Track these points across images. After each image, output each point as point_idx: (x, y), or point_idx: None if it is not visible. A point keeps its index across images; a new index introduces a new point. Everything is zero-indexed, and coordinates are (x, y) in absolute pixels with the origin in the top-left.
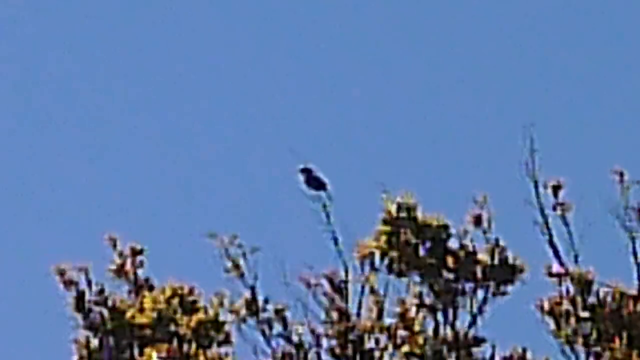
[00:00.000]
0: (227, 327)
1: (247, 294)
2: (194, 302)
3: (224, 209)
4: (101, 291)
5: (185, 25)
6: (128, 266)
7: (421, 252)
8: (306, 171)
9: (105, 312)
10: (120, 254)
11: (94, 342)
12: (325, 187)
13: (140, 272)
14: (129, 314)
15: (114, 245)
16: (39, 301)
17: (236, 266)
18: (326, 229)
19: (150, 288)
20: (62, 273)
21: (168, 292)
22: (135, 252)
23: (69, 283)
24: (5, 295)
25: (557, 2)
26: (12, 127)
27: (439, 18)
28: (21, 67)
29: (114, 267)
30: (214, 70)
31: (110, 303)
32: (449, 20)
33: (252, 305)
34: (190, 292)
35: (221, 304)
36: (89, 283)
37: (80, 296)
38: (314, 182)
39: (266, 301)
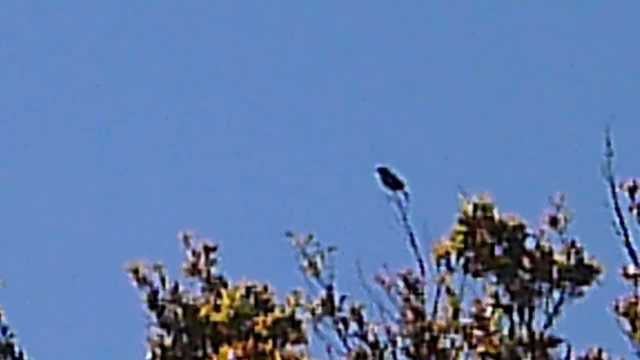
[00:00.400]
0: (303, 326)
1: (324, 293)
2: (268, 300)
3: (300, 208)
4: (175, 289)
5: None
6: (201, 264)
7: (497, 252)
8: (383, 171)
9: (179, 310)
10: (194, 252)
11: (168, 340)
12: (403, 186)
13: (213, 270)
14: (202, 312)
15: (187, 243)
16: (113, 299)
17: (313, 265)
18: (403, 229)
19: (224, 286)
20: (136, 271)
21: (242, 290)
22: (208, 250)
23: (142, 281)
24: (80, 293)
25: None
26: (88, 121)
27: (507, 11)
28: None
29: (187, 265)
30: (291, 66)
31: (184, 301)
32: (518, 12)
33: (328, 304)
34: (265, 290)
35: (297, 303)
36: (163, 281)
37: (153, 294)
38: (391, 182)
39: (342, 300)
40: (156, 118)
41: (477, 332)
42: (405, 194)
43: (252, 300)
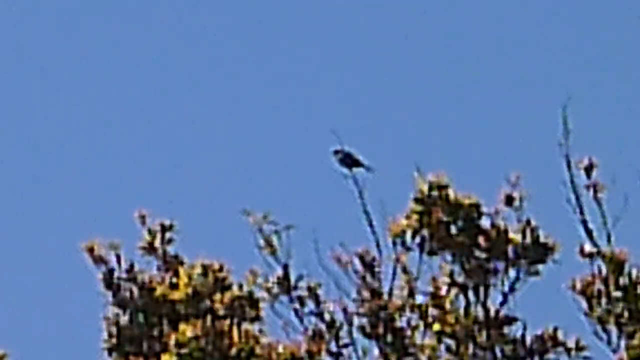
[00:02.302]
0: (260, 304)
1: (280, 272)
2: (225, 279)
3: (257, 186)
4: (131, 268)
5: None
6: (157, 243)
7: (453, 231)
8: (339, 152)
9: (135, 289)
10: (150, 231)
11: (124, 319)
12: (360, 164)
13: (170, 248)
14: (159, 291)
15: (143, 222)
16: (69, 278)
17: (269, 244)
18: (360, 208)
19: (181, 264)
20: (91, 250)
21: (199, 269)
22: (164, 229)
23: (98, 260)
24: (36, 272)
25: None
26: (47, 105)
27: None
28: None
29: (143, 243)
30: (250, 53)
31: (139, 280)
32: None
33: (284, 283)
34: (222, 268)
35: (254, 282)
36: (118, 260)
37: (109, 273)
38: (348, 160)
39: (299, 279)
40: (112, 98)
41: (433, 311)
42: (368, 169)
43: (209, 278)
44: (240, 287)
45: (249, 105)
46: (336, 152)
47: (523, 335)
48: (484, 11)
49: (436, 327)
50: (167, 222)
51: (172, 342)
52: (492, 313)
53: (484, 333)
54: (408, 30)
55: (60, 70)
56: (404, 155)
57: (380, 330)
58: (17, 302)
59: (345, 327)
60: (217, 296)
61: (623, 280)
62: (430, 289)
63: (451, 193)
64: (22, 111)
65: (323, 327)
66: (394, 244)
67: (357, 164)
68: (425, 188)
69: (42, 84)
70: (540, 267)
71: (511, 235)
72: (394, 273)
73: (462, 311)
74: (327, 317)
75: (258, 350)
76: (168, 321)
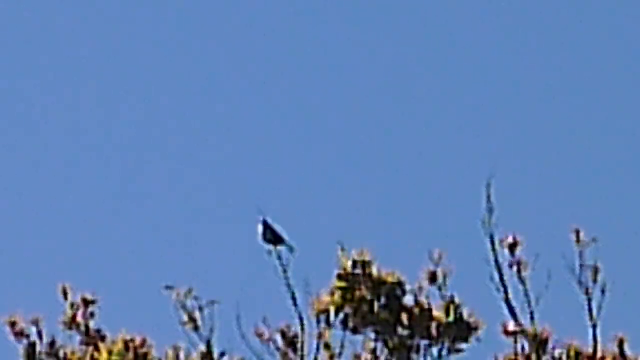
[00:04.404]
0: None
1: (203, 348)
2: (146, 355)
3: (180, 262)
4: (52, 343)
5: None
6: (80, 317)
7: (376, 308)
8: (265, 225)
9: None
10: (72, 305)
11: None
12: (283, 241)
13: (92, 323)
14: None
15: (66, 296)
16: None
17: (192, 319)
18: (283, 284)
19: (103, 339)
20: (13, 324)
21: (120, 345)
22: (87, 303)
23: (20, 334)
24: None
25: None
26: None
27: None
28: None
29: (65, 318)
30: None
31: (61, 355)
32: (399, 70)
33: (207, 359)
34: (143, 344)
35: (177, 357)
36: (40, 334)
37: (31, 348)
38: (272, 237)
39: (222, 355)
40: (23, 157)
41: None
42: (290, 248)
43: (130, 354)
44: None
45: (172, 177)
46: (263, 224)
47: None
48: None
49: None
50: (89, 297)
51: None
52: None
53: None
54: (321, 107)
55: None
56: (328, 231)
57: None
58: None
59: None
60: None
61: (546, 359)
62: None
63: (374, 270)
64: None
65: None
66: (318, 320)
67: (281, 241)
68: (349, 265)
69: None
70: (463, 345)
71: (434, 312)
72: (317, 349)
73: None
74: None
75: None
76: None
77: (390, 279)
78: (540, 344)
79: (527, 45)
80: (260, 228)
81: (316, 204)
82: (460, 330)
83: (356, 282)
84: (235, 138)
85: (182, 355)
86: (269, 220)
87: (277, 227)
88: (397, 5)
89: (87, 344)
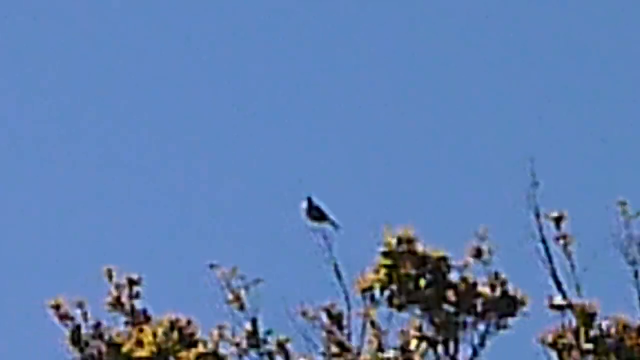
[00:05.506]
0: None
1: (249, 326)
2: (192, 334)
3: (225, 240)
4: (97, 325)
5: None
6: (124, 298)
7: (421, 285)
8: (310, 202)
9: (102, 346)
10: (117, 286)
11: None
12: (328, 219)
13: (137, 303)
14: (126, 348)
15: (110, 277)
16: (35, 336)
17: (237, 298)
18: (328, 262)
19: (147, 320)
20: (57, 307)
21: (166, 325)
22: (131, 283)
23: (64, 317)
24: (2, 330)
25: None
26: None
27: (426, 57)
28: None
29: (110, 299)
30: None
31: (106, 337)
32: (442, 53)
33: (253, 338)
34: (188, 324)
35: (221, 336)
36: (85, 316)
37: (76, 330)
38: (317, 214)
39: (268, 333)
40: (64, 147)
41: None
42: (334, 225)
43: (175, 334)
44: (205, 343)
45: (217, 158)
46: (307, 205)
47: None
48: (452, 58)
49: None
50: (134, 276)
51: None
52: None
53: None
54: (369, 83)
55: None
56: (373, 209)
57: None
58: None
59: None
60: (183, 353)
61: (593, 332)
62: (399, 343)
63: (419, 246)
64: None
65: None
66: (363, 298)
67: (325, 218)
68: (393, 242)
69: None
70: (509, 320)
71: (480, 288)
72: (363, 327)
73: None
74: None
75: None
76: None
77: (435, 255)
78: (587, 317)
79: (576, 28)
80: (304, 205)
81: (360, 182)
82: (506, 305)
83: (401, 259)
84: (281, 118)
85: (227, 334)
86: (314, 198)
87: (322, 205)
88: None
89: (133, 325)
